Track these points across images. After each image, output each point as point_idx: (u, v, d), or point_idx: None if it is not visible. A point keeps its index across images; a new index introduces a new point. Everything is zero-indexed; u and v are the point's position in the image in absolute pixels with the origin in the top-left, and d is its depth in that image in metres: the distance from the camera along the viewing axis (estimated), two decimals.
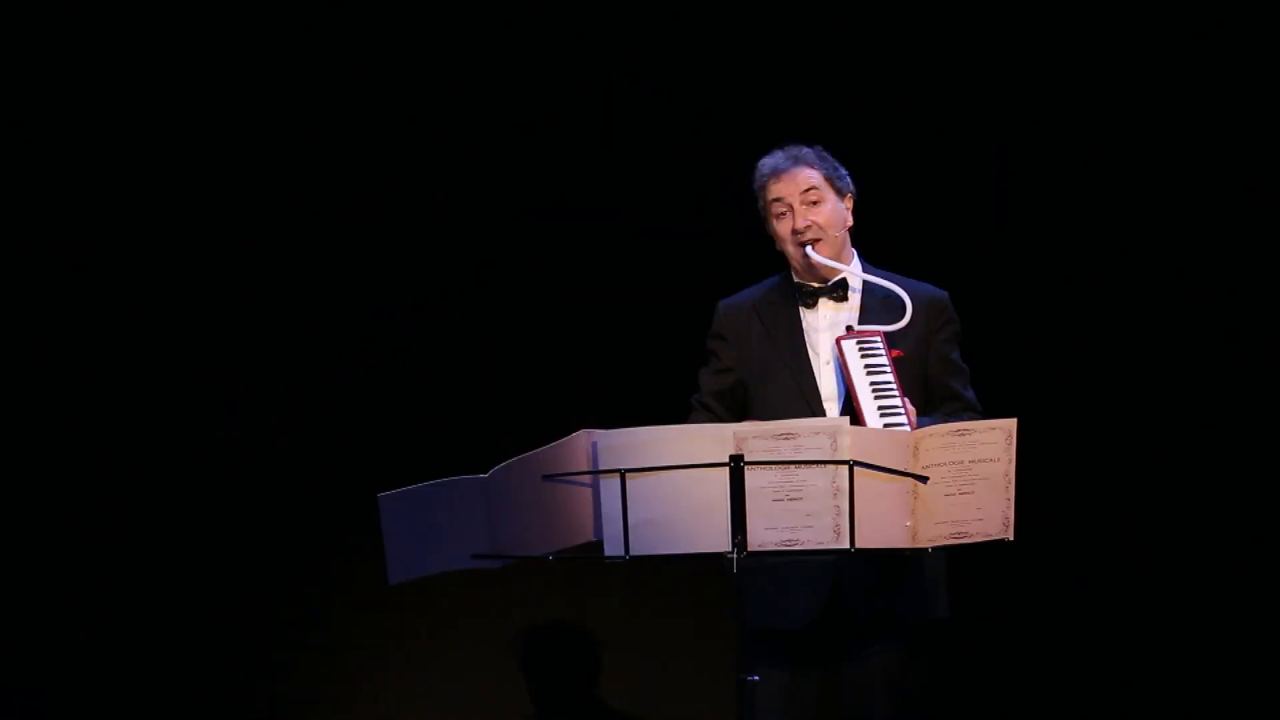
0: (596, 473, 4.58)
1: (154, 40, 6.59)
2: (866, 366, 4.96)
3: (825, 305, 5.18)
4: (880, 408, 4.88)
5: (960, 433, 4.59)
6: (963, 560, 5.09)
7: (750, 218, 6.52)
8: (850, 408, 4.96)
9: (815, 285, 5.18)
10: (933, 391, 5.14)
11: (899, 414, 4.88)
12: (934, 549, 4.62)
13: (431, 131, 6.67)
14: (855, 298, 5.18)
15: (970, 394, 5.20)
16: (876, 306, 5.14)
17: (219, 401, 6.63)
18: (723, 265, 5.33)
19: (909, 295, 5.08)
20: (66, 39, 6.58)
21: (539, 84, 6.67)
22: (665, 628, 6.56)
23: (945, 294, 5.24)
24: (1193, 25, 6.59)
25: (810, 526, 4.51)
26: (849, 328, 5.08)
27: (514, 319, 6.68)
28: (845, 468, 4.48)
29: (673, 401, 5.28)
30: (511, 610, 6.65)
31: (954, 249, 6.65)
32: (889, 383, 4.93)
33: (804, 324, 5.18)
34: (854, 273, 5.16)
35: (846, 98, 6.63)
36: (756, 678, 4.81)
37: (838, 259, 5.16)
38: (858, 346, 4.98)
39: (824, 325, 5.17)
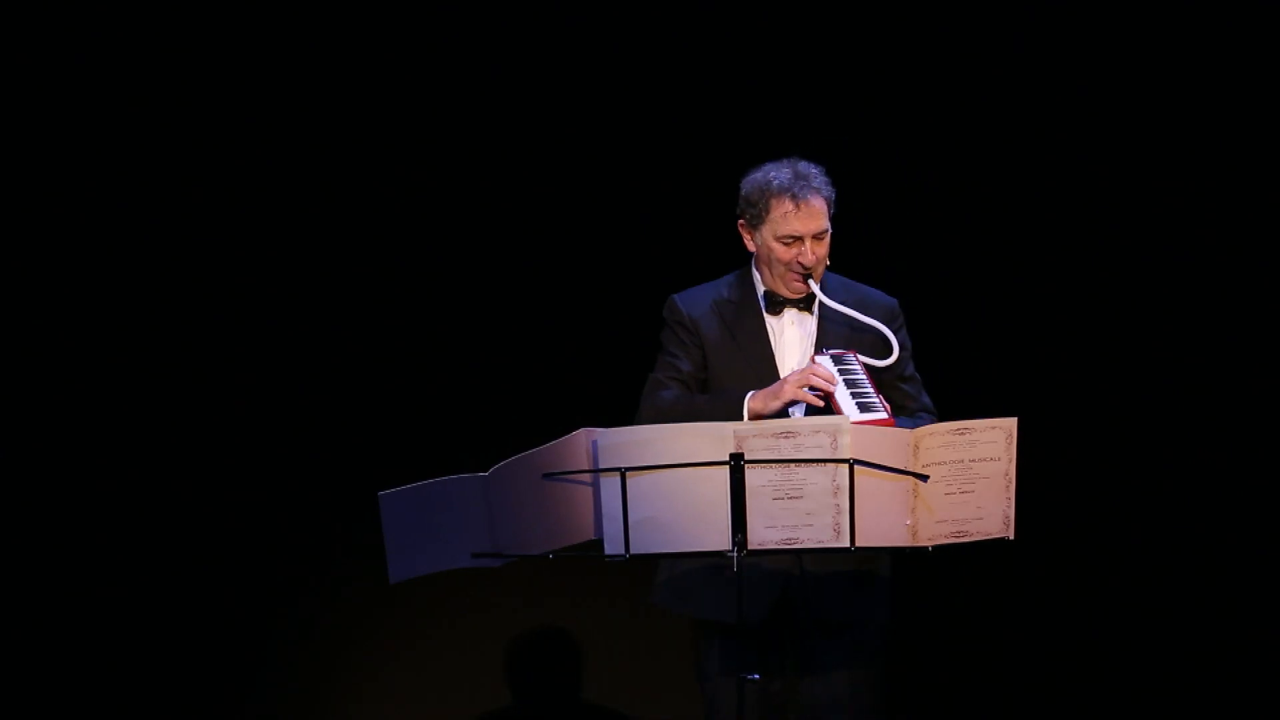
0: (597, 471, 4.58)
1: (153, 39, 6.59)
2: (842, 373, 4.95)
3: (789, 312, 5.17)
4: (859, 404, 4.86)
5: (961, 431, 4.60)
6: (916, 562, 5.08)
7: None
8: (814, 415, 4.93)
9: (784, 296, 5.17)
10: (889, 399, 5.12)
11: (878, 410, 4.85)
12: (934, 548, 4.63)
13: (431, 131, 6.67)
14: (818, 310, 5.17)
15: (926, 399, 5.20)
16: (838, 323, 5.14)
17: (219, 401, 6.63)
18: (723, 265, 5.32)
19: (864, 307, 5.10)
20: (66, 39, 6.58)
21: (539, 83, 6.67)
22: (666, 627, 6.55)
23: (895, 302, 5.25)
24: (1192, 25, 6.60)
25: (810, 525, 4.52)
26: (823, 349, 5.06)
27: (514, 319, 6.68)
28: (845, 466, 4.48)
29: None
30: (512, 609, 6.65)
31: (954, 249, 6.65)
32: (867, 390, 4.91)
33: (769, 330, 5.18)
34: (830, 302, 5.11)
35: (845, 97, 6.63)
36: (756, 676, 4.82)
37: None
38: (833, 360, 4.97)
39: (788, 328, 5.16)
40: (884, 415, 4.81)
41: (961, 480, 4.60)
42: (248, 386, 6.63)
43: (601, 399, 6.34)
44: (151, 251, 6.61)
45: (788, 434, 4.51)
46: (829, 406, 4.86)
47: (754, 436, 4.51)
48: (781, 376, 5.06)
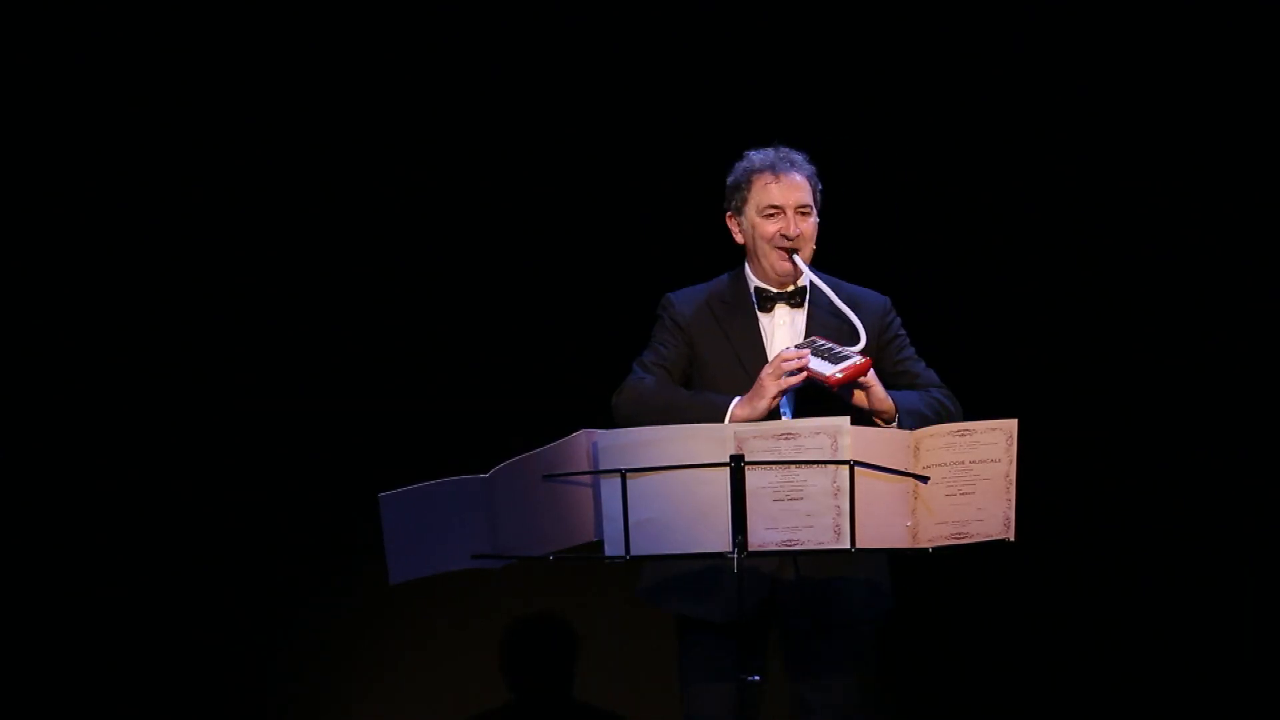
0: (597, 473, 4.59)
1: (153, 39, 6.59)
2: (808, 346, 4.96)
3: (780, 310, 5.19)
4: (831, 360, 4.87)
5: (961, 433, 4.60)
6: (909, 559, 5.07)
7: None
8: (795, 410, 4.95)
9: (775, 291, 5.18)
10: (895, 386, 5.12)
11: (852, 356, 4.87)
12: (934, 549, 4.63)
13: (431, 131, 6.67)
14: (807, 305, 5.19)
15: (932, 374, 5.21)
16: (826, 316, 5.15)
17: (219, 401, 6.63)
18: (724, 265, 5.33)
19: (855, 305, 5.11)
20: (66, 39, 6.58)
21: (539, 83, 6.67)
22: (665, 627, 6.56)
23: (887, 300, 5.26)
24: (1190, 25, 6.60)
25: (810, 526, 4.52)
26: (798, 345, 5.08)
27: (514, 319, 6.68)
28: (846, 468, 4.48)
29: None
30: (512, 611, 6.65)
31: (954, 250, 6.66)
32: (835, 348, 4.92)
33: (761, 328, 5.19)
34: (823, 287, 5.14)
35: (843, 96, 6.63)
36: (757, 678, 4.82)
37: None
38: (797, 347, 4.98)
39: (779, 328, 5.18)
40: (858, 361, 4.85)
41: (962, 482, 4.60)
42: (248, 386, 6.63)
43: (602, 400, 6.34)
44: (151, 251, 6.61)
45: (788, 435, 4.52)
46: (812, 385, 4.87)
47: (754, 438, 4.51)
48: None
